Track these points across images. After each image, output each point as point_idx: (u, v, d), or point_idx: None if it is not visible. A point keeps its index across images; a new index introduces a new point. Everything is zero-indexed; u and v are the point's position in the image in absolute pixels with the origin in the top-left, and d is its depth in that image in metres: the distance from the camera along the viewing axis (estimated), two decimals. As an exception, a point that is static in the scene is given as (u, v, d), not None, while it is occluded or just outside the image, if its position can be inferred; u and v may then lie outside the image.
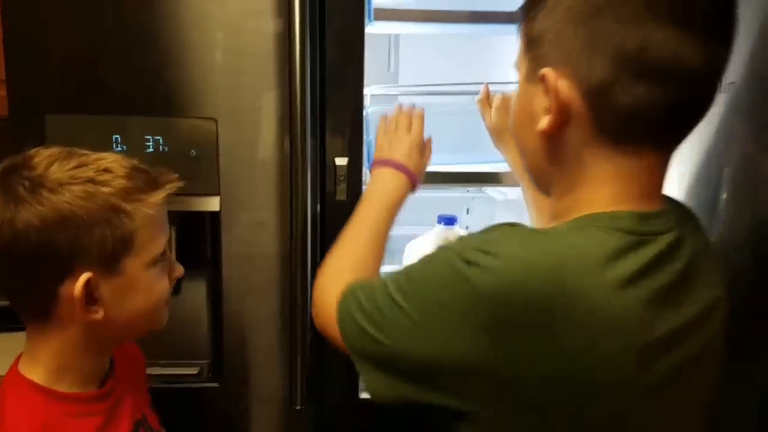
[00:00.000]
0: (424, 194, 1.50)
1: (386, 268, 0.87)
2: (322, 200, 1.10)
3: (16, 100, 1.03)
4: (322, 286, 0.84)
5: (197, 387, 1.16)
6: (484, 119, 1.13)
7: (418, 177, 1.01)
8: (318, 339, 1.09)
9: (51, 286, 0.74)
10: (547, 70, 0.63)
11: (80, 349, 0.77)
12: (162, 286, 0.82)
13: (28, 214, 0.71)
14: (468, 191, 1.57)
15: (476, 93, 1.14)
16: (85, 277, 0.73)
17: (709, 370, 0.70)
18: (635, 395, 0.62)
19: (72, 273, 0.73)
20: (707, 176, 1.01)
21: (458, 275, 0.62)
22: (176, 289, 0.91)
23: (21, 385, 0.76)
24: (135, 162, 0.79)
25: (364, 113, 1.11)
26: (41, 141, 1.00)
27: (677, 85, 0.60)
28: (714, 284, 0.69)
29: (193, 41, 1.02)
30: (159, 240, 0.80)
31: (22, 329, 0.78)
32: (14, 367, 0.78)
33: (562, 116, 0.63)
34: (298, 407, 1.09)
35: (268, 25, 1.03)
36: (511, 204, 1.43)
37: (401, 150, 1.00)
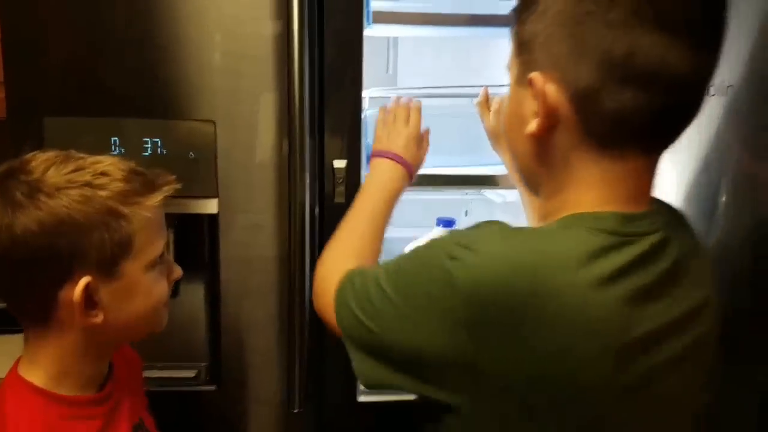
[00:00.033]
0: (423, 196, 1.50)
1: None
2: (321, 203, 1.10)
3: (14, 102, 1.03)
4: (322, 275, 0.86)
5: (195, 390, 1.16)
6: (483, 122, 1.13)
7: (416, 168, 1.04)
8: (316, 341, 1.09)
9: (50, 291, 0.73)
10: (535, 75, 0.63)
11: (80, 353, 0.77)
12: (161, 288, 0.82)
13: (26, 219, 0.71)
14: (467, 193, 1.57)
15: (475, 96, 1.14)
16: (84, 281, 0.73)
17: (699, 370, 0.70)
18: (613, 395, 0.62)
19: (71, 277, 0.73)
20: (708, 178, 1.01)
21: (441, 269, 0.63)
22: (174, 291, 0.91)
23: (21, 386, 0.76)
24: (132, 164, 0.79)
25: (363, 116, 1.11)
26: (39, 143, 1.01)
27: (663, 90, 0.60)
28: (703, 285, 0.70)
29: (191, 43, 1.02)
30: (157, 242, 0.80)
31: (20, 331, 0.78)
32: (14, 369, 0.78)
33: (550, 120, 0.64)
34: (296, 410, 1.09)
35: (266, 28, 1.03)
36: (510, 206, 1.42)
37: (399, 142, 1.02)
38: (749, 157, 0.96)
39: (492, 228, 0.67)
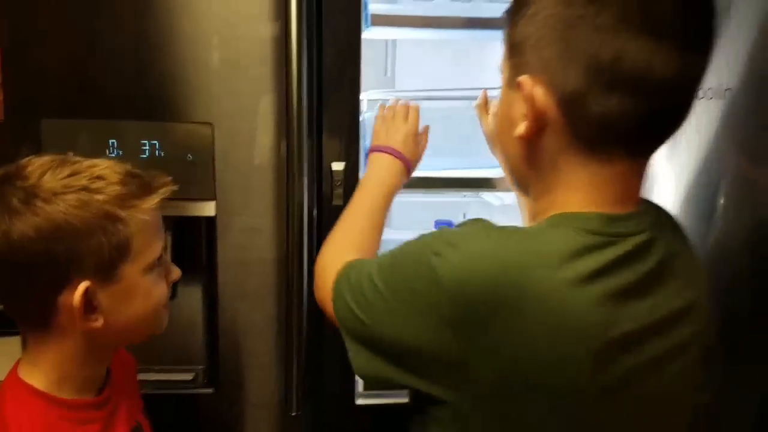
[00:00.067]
0: (422, 199, 1.50)
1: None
2: (319, 205, 1.10)
3: (12, 104, 1.02)
4: (322, 266, 0.87)
5: (192, 393, 1.15)
6: (481, 125, 1.13)
7: (413, 164, 1.05)
8: (314, 344, 1.09)
9: (49, 296, 0.73)
10: (524, 78, 0.64)
11: (81, 357, 0.77)
12: (160, 290, 0.82)
13: (23, 225, 0.70)
14: (465, 196, 1.56)
15: (473, 98, 1.13)
16: (83, 286, 0.73)
17: (686, 371, 0.69)
18: (591, 395, 0.62)
19: (70, 282, 0.73)
20: (706, 179, 1.02)
21: (427, 266, 0.64)
22: (172, 293, 0.91)
23: (21, 389, 0.76)
24: (128, 167, 0.78)
25: (361, 118, 1.11)
26: (37, 145, 1.00)
27: (650, 95, 0.60)
28: (692, 286, 0.70)
29: (189, 45, 1.02)
30: (155, 245, 0.79)
31: (17, 333, 0.78)
32: (13, 371, 0.78)
33: (538, 123, 0.64)
34: (294, 413, 1.08)
35: (265, 30, 1.03)
36: (508, 209, 1.42)
37: (398, 138, 1.04)
38: (748, 159, 0.96)
39: (477, 226, 0.68)
